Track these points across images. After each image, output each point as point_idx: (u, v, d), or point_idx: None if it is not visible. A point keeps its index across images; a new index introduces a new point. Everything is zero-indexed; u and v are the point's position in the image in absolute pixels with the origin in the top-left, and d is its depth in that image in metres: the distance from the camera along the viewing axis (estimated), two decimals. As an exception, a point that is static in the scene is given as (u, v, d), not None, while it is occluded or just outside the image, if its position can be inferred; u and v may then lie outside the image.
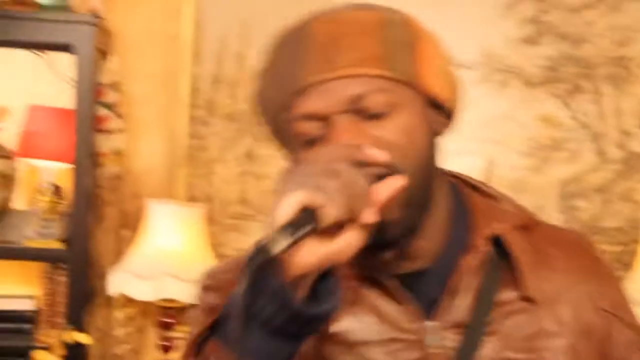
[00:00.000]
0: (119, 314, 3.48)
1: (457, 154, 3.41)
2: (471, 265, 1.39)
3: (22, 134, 3.38)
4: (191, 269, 3.24)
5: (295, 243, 1.12)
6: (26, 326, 3.38)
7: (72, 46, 3.19)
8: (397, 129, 1.32)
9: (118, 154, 3.45)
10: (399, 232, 1.33)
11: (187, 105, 3.60)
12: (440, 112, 1.40)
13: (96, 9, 3.27)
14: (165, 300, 3.28)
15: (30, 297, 3.45)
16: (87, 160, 3.25)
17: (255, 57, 3.52)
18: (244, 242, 3.57)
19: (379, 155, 1.26)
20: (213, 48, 3.60)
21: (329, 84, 1.31)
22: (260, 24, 3.52)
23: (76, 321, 3.23)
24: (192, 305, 1.53)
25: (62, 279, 3.36)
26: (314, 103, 1.32)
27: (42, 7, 3.24)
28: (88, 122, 3.26)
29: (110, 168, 3.42)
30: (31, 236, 3.32)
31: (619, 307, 1.45)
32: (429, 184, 1.37)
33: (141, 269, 3.27)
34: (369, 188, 1.21)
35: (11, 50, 3.42)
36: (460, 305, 1.37)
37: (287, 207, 1.13)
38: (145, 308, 3.51)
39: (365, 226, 1.19)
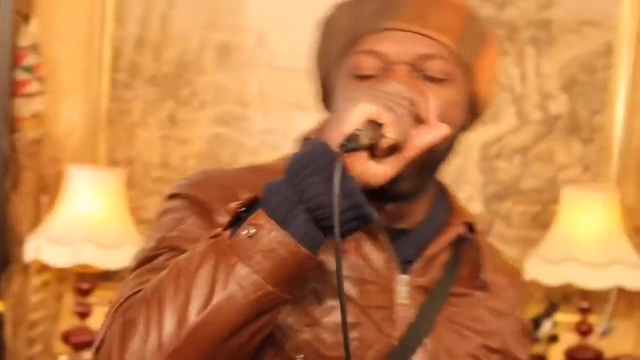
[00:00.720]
0: (35, 280, 3.49)
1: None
2: (447, 240, 1.49)
3: None
4: (109, 234, 3.30)
5: (362, 148, 1.22)
6: None
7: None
8: (443, 98, 1.40)
9: (37, 117, 3.43)
10: (409, 187, 1.41)
11: (108, 69, 3.59)
12: (471, 111, 1.51)
13: (15, -31, 3.29)
14: (82, 266, 3.29)
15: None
16: (2, 124, 3.26)
17: (180, 19, 3.58)
18: (165, 206, 3.50)
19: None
20: (136, 10, 3.56)
21: (408, 35, 1.41)
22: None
23: None
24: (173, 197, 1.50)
25: None
26: (388, 45, 1.41)
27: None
28: (5, 86, 3.26)
29: (29, 132, 3.41)
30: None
31: (528, 325, 1.65)
32: (442, 161, 1.46)
33: (59, 234, 3.28)
34: (418, 127, 1.31)
35: None
36: (430, 272, 1.48)
37: (358, 115, 1.23)
38: (61, 274, 3.53)
39: (401, 161, 1.28)
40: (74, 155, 3.54)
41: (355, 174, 1.25)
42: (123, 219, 3.41)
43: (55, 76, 3.54)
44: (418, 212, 1.51)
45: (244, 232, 1.23)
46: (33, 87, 3.40)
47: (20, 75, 3.34)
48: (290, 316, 1.42)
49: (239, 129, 3.67)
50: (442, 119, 1.39)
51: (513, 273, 1.66)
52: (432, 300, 1.49)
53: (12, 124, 3.33)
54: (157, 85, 3.62)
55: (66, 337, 3.40)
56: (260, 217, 1.22)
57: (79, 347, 3.41)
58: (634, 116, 3.60)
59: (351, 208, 1.22)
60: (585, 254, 3.30)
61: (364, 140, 1.22)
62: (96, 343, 1.26)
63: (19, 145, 3.37)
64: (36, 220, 3.43)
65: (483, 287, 1.53)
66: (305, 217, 1.22)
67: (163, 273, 1.29)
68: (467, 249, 1.55)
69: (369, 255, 1.46)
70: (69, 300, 3.54)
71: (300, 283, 1.32)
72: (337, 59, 1.49)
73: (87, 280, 3.39)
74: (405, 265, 1.48)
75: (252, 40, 3.67)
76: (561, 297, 3.44)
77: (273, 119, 3.69)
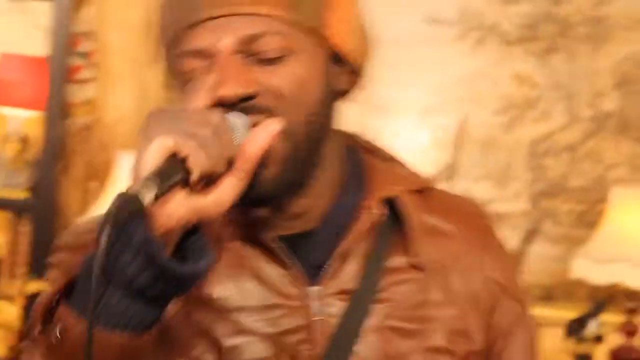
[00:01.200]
0: None
1: (432, 111, 3.58)
2: (362, 229, 1.31)
3: (-9, 78, 3.51)
4: None
5: (164, 193, 1.01)
6: (-13, 271, 3.42)
7: (48, -7, 3.31)
8: (289, 77, 1.22)
9: (89, 104, 3.46)
10: (276, 188, 1.22)
11: (162, 57, 3.51)
12: (345, 68, 1.30)
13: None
14: None
15: (-7, 244, 3.50)
16: (58, 110, 3.30)
17: None
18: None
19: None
20: None
21: (221, 20, 1.20)
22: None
23: (39, 272, 3.14)
24: (49, 266, 1.36)
25: (26, 228, 3.40)
26: (203, 39, 1.20)
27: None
28: (61, 71, 3.30)
29: (80, 118, 3.45)
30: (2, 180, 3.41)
31: (507, 279, 1.41)
32: (317, 141, 1.27)
33: None
34: (245, 136, 1.12)
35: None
36: (348, 271, 1.30)
37: (154, 154, 1.03)
38: None
39: (240, 178, 1.10)
40: (123, 142, 3.48)
41: (180, 216, 1.07)
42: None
43: (109, 63, 3.54)
44: (316, 206, 1.32)
45: (54, 333, 1.07)
46: (86, 73, 3.42)
47: (75, 61, 3.36)
48: None
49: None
50: (294, 99, 1.22)
51: (468, 232, 1.43)
52: (356, 304, 1.31)
53: (65, 110, 3.35)
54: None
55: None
56: (63, 312, 1.07)
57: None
58: (686, 116, 3.57)
59: (159, 275, 1.03)
60: (635, 254, 3.23)
61: (149, 194, 1.00)
62: None
63: (70, 130, 3.40)
64: (85, 205, 3.42)
65: (421, 268, 1.35)
66: (119, 295, 1.03)
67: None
68: (395, 230, 1.36)
69: (266, 275, 1.29)
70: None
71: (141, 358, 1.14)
72: (169, 63, 1.30)
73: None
74: (317, 272, 1.31)
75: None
76: (607, 297, 3.41)
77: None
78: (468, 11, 3.63)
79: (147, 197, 0.99)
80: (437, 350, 1.31)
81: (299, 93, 1.22)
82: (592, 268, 3.27)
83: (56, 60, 3.31)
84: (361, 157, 1.38)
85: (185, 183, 1.04)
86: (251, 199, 1.17)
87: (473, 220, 1.44)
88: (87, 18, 3.45)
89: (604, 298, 3.38)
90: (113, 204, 0.98)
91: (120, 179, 3.27)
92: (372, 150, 1.39)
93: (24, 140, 3.43)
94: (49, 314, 1.10)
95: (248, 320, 1.25)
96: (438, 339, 1.31)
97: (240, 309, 1.26)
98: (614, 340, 3.38)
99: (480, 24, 3.63)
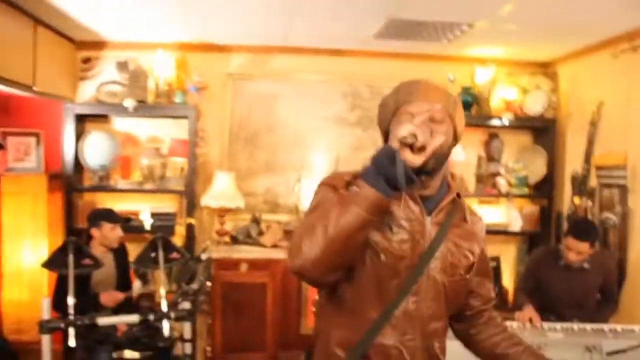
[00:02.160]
0: (203, 213, 5.72)
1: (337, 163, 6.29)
2: (448, 200, 2.00)
3: (169, 147, 5.73)
4: (230, 194, 5.46)
5: (408, 146, 1.69)
6: (171, 216, 5.57)
7: (188, 116, 5.35)
8: (444, 132, 1.91)
9: (203, 155, 5.62)
10: (431, 166, 1.88)
11: (228, 134, 5.73)
12: (455, 137, 1.99)
13: (196, 103, 5.51)
14: (221, 207, 5.53)
15: (173, 207, 5.67)
16: (192, 157, 5.41)
17: (254, 120, 5.57)
18: (251, 187, 5.75)
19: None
20: (238, 114, 5.66)
21: (422, 102, 1.91)
22: (257, 107, 5.65)
23: (189, 215, 5.48)
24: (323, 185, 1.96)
25: (184, 200, 5.46)
26: (413, 108, 1.90)
27: (176, 103, 5.40)
28: (193, 143, 5.40)
29: (200, 159, 5.56)
30: (174, 184, 5.56)
31: (485, 239, 2.15)
32: (446, 157, 1.95)
33: (213, 195, 5.49)
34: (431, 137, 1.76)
35: (165, 120, 5.75)
36: (440, 216, 1.99)
37: (405, 130, 1.68)
38: (213, 211, 5.70)
39: (427, 154, 1.74)
40: (216, 166, 5.72)
41: (405, 159, 1.68)
42: (235, 189, 5.58)
43: (207, 138, 5.70)
44: (434, 186, 1.97)
45: (354, 189, 1.67)
46: (201, 143, 5.58)
47: (197, 139, 5.44)
48: (376, 236, 1.88)
49: (279, 161, 5.61)
50: (444, 141, 1.87)
51: (477, 216, 2.11)
52: (441, 229, 1.96)
53: (195, 156, 5.22)
54: (248, 143, 5.61)
55: (216, 233, 5.69)
56: (361, 182, 1.68)
57: (220, 236, 5.60)
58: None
59: (404, 174, 1.66)
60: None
61: (408, 141, 1.64)
62: (287, 245, 2.45)
63: (197, 163, 5.28)
64: (204, 191, 5.58)
65: (466, 221, 2.01)
66: (383, 182, 1.67)
67: (319, 212, 1.78)
68: (458, 205, 2.00)
69: (411, 207, 1.92)
70: (216, 220, 5.73)
71: (383, 213, 1.75)
72: (390, 120, 1.95)
73: (223, 213, 5.59)
74: (428, 212, 1.95)
75: (281, 124, 5.65)
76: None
77: (294, 156, 5.54)
78: (337, 114, 5.41)
79: (407, 142, 1.69)
80: (468, 260, 2.05)
81: (446, 139, 1.93)
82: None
83: (190, 139, 5.33)
84: (447, 177, 2.01)
85: (413, 147, 1.72)
86: (422, 168, 1.78)
87: (477, 215, 2.16)
88: (199, 123, 5.45)
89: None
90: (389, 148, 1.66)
91: (216, 181, 5.39)
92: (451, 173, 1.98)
93: (182, 168, 5.49)
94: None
95: (401, 222, 1.91)
96: (470, 257, 2.06)
97: (400, 217, 1.91)
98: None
99: (342, 120, 5.48)
